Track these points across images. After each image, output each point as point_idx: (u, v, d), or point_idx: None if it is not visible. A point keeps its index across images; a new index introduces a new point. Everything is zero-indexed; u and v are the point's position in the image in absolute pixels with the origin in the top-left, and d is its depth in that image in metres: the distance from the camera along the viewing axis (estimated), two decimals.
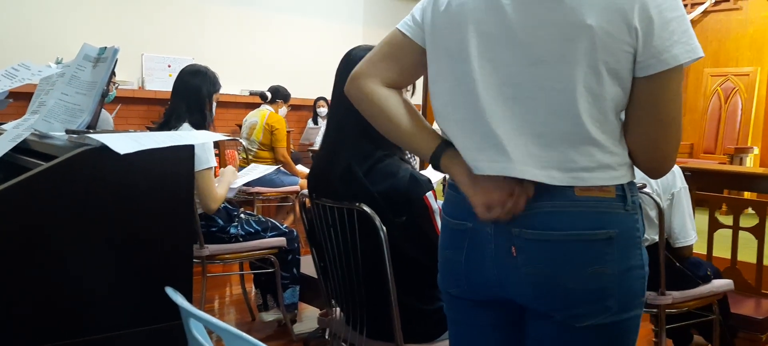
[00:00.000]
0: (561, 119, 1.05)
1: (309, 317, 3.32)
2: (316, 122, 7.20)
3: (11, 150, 1.35)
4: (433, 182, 1.80)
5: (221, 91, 2.99)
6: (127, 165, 1.16)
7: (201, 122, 2.81)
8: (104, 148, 1.14)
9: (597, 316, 1.08)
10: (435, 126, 1.27)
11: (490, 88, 1.09)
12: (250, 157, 4.83)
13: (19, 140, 1.36)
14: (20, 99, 2.54)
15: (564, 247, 1.06)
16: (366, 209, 1.65)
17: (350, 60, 1.76)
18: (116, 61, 1.39)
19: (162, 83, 6.13)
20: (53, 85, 1.53)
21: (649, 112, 1.06)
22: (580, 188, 1.05)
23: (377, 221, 1.64)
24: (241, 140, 4.90)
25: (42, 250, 1.13)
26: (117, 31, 5.91)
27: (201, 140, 1.31)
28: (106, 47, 1.42)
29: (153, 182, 1.20)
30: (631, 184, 1.10)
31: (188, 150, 1.23)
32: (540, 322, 1.13)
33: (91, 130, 1.31)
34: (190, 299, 1.23)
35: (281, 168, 4.96)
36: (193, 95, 2.82)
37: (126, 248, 1.21)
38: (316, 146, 6.53)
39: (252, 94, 6.71)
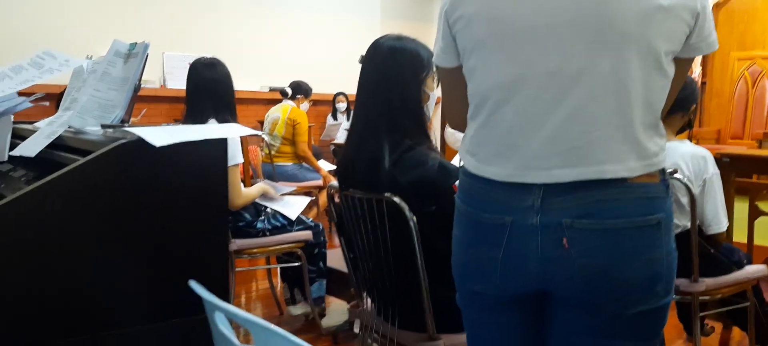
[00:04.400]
0: (637, 109, 1.05)
1: (336, 311, 3.33)
2: (335, 118, 7.20)
3: (47, 146, 1.37)
4: None
5: (240, 87, 2.92)
6: (163, 159, 1.16)
7: (230, 120, 2.72)
8: (140, 142, 1.15)
9: (647, 302, 1.08)
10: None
11: (559, 82, 1.05)
12: (272, 152, 4.85)
13: (54, 137, 1.37)
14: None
15: (620, 235, 1.05)
16: (395, 199, 1.64)
17: (377, 50, 1.76)
18: (147, 56, 1.40)
19: (183, 81, 6.15)
20: (84, 82, 1.55)
21: (672, 90, 1.12)
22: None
23: (407, 211, 1.63)
24: (263, 136, 4.91)
25: (80, 243, 1.14)
26: (137, 31, 5.96)
27: (233, 135, 1.31)
28: (136, 43, 1.43)
29: (188, 176, 1.21)
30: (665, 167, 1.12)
31: (222, 144, 1.24)
32: (585, 310, 1.11)
33: (126, 125, 1.33)
34: (226, 293, 1.24)
35: (303, 163, 4.97)
36: (221, 90, 2.73)
37: (161, 241, 1.21)
38: (337, 141, 6.54)
39: (272, 90, 6.74)
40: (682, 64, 1.11)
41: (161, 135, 1.13)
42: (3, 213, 1.09)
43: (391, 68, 1.73)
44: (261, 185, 2.96)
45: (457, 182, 1.70)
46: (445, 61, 1.23)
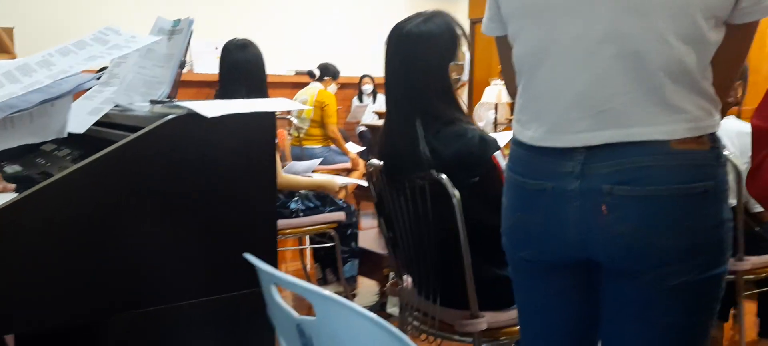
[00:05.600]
0: (668, 72, 1.02)
1: (367, 291, 3.34)
2: (361, 100, 7.19)
3: (94, 124, 1.37)
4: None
5: (268, 71, 2.90)
6: (213, 132, 1.16)
7: None
8: (190, 116, 1.15)
9: (689, 273, 1.05)
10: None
11: (584, 46, 1.05)
12: (301, 135, 4.85)
13: (101, 113, 1.38)
14: None
15: (660, 203, 1.03)
16: (437, 175, 1.62)
17: (399, 37, 1.73)
18: (192, 32, 1.39)
19: (210, 66, 6.21)
20: (125, 58, 1.54)
21: (729, 57, 1.07)
22: (677, 140, 1.03)
23: (449, 187, 1.62)
24: (292, 119, 4.92)
25: (132, 218, 1.15)
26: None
27: (281, 108, 1.31)
28: (180, 19, 1.43)
29: (238, 150, 1.21)
30: (717, 134, 1.08)
31: (270, 118, 1.23)
32: (625, 281, 1.10)
33: (175, 100, 1.32)
34: (275, 267, 1.23)
35: (331, 146, 4.97)
36: (253, 71, 2.73)
37: (212, 216, 1.22)
38: (365, 122, 6.53)
39: (298, 73, 6.74)
40: (738, 30, 1.06)
41: (212, 107, 1.13)
42: (55, 190, 1.09)
43: (415, 55, 1.70)
44: (328, 180, 2.95)
45: (496, 153, 1.69)
46: (492, 30, 1.26)
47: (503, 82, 7.08)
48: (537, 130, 1.12)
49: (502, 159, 1.68)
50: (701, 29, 1.01)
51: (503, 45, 1.24)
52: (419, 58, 1.70)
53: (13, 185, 1.15)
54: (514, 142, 1.20)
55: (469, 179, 1.67)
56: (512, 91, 1.26)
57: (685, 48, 1.01)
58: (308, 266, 3.53)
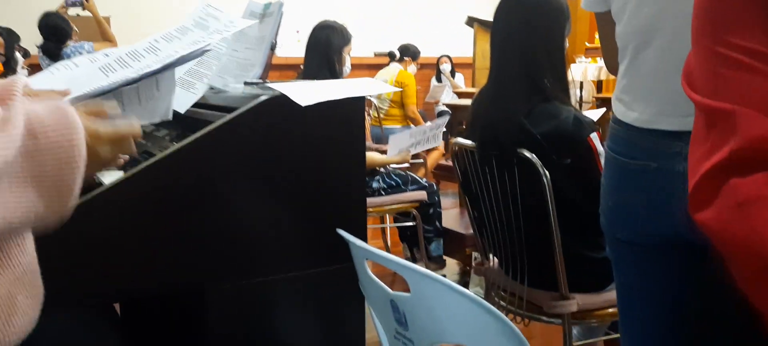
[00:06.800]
0: None
1: (450, 271, 3.33)
2: (439, 80, 7.14)
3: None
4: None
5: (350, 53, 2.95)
6: (305, 112, 1.18)
7: (331, 78, 2.80)
8: (283, 97, 1.17)
9: None
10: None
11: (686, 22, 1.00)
12: (381, 115, 4.88)
13: (200, 94, 1.42)
14: None
15: None
16: (527, 153, 1.59)
17: (519, 2, 1.68)
18: (282, 14, 1.42)
19: (291, 49, 6.35)
20: (220, 43, 1.59)
21: None
22: None
23: (539, 166, 1.58)
24: (372, 99, 4.95)
25: (228, 196, 1.19)
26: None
27: (369, 92, 1.32)
28: (271, 2, 1.46)
29: (329, 130, 1.22)
30: None
31: (360, 100, 1.24)
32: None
33: (267, 82, 1.36)
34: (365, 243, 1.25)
35: (411, 126, 4.98)
36: (324, 50, 2.80)
37: (304, 193, 1.24)
38: (443, 102, 6.49)
39: (377, 55, 6.77)
40: None
41: (305, 93, 1.14)
42: (157, 169, 1.14)
43: (537, 22, 1.65)
44: (401, 156, 3.01)
45: (592, 134, 1.63)
46: (594, 6, 1.24)
47: (588, 60, 6.82)
48: (643, 111, 1.09)
49: (597, 141, 1.63)
50: None
51: (605, 21, 1.20)
52: (539, 25, 1.65)
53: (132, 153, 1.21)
54: (616, 122, 1.16)
55: (561, 160, 1.62)
56: (613, 68, 1.22)
57: None
58: (389, 244, 3.56)
